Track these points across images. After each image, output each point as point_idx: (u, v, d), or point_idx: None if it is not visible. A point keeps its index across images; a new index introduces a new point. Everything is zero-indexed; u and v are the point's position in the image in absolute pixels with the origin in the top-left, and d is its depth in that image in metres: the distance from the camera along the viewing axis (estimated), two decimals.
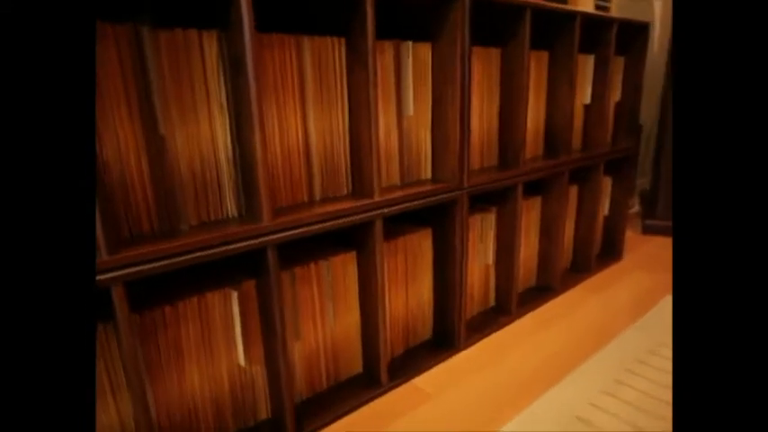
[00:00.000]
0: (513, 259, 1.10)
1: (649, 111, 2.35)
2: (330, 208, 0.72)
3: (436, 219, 0.96)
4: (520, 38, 0.97)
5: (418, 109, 0.87)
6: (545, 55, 1.13)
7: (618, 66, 1.39)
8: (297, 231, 0.68)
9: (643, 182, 2.43)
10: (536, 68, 1.11)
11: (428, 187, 0.86)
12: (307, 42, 0.70)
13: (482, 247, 1.08)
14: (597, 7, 1.41)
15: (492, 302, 1.17)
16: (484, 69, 0.98)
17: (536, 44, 1.14)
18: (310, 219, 0.69)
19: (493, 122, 1.04)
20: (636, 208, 2.12)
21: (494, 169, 1.05)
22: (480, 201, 1.13)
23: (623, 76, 1.42)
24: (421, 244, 0.95)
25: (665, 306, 1.19)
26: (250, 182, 0.65)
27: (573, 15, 1.07)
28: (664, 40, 2.27)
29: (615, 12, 2.00)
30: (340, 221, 0.73)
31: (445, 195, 0.88)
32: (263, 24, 0.72)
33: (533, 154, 1.18)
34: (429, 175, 0.93)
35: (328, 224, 0.72)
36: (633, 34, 1.38)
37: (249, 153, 0.63)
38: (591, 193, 1.34)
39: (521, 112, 1.01)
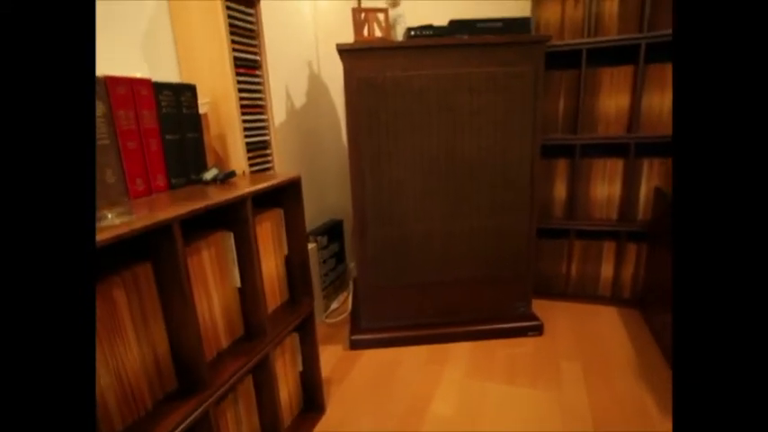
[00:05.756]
0: None
1: (347, 202, 2.35)
2: None
3: None
4: None
5: None
6: (146, 269, 0.81)
7: (277, 219, 1.19)
8: None
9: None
10: (131, 298, 0.78)
11: None
12: None
13: None
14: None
15: None
16: None
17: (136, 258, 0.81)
18: None
19: None
20: (350, 306, 2.05)
21: None
22: None
23: (287, 229, 1.23)
24: None
25: None
26: None
27: (167, 227, 0.78)
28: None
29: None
30: None
31: None
32: None
33: (163, 392, 0.86)
34: None
35: None
36: (286, 191, 1.20)
37: None
38: (267, 384, 1.11)
39: None
